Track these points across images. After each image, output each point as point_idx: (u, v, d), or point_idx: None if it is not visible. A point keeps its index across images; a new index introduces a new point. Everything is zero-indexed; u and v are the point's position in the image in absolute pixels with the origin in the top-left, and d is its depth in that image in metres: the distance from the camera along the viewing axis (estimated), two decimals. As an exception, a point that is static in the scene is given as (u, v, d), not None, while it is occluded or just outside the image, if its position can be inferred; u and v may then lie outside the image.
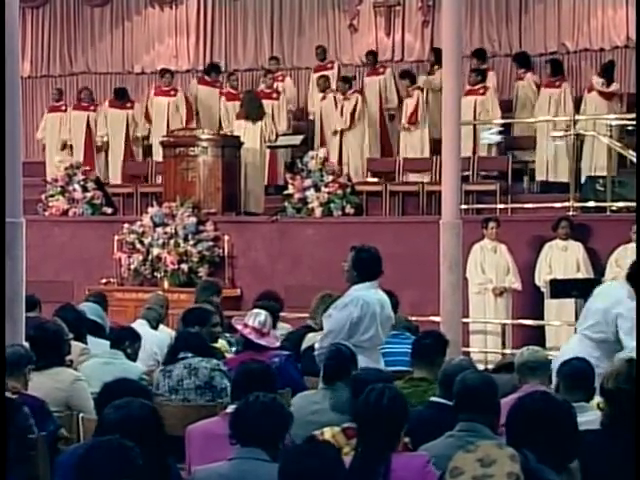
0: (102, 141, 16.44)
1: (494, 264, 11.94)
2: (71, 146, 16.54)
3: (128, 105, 16.48)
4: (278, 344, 7.33)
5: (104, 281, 13.56)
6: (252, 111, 14.90)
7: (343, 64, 16.98)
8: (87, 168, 15.33)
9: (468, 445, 3.60)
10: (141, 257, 13.53)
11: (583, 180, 13.21)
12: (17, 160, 6.99)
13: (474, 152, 14.10)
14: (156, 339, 8.33)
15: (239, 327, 7.19)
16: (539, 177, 14.26)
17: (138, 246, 13.58)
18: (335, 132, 15.04)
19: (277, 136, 15.17)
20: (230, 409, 4.89)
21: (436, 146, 13.73)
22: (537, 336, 11.47)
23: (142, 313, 9.01)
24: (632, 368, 4.57)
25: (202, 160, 14.04)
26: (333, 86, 15.62)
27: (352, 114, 14.95)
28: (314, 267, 12.75)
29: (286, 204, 13.66)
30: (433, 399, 5.52)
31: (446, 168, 9.04)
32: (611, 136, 13.06)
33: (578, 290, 10.66)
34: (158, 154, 15.25)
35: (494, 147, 14.53)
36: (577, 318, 8.81)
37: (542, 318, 11.83)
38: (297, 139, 15.87)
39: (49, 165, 16.26)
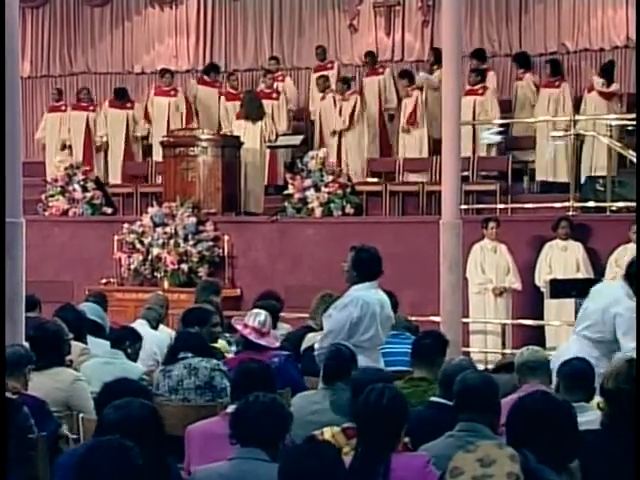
0: (101, 141, 16.43)
1: (494, 264, 11.94)
2: (70, 146, 16.54)
3: (128, 105, 16.48)
4: (278, 344, 7.33)
5: (104, 281, 13.56)
6: (252, 111, 14.90)
7: (343, 64, 16.98)
8: (87, 168, 15.34)
9: (468, 445, 3.60)
10: (141, 257, 13.53)
11: (583, 180, 13.21)
12: (17, 160, 6.99)
13: (474, 152, 14.10)
14: (156, 339, 8.33)
15: (239, 327, 7.19)
16: (539, 177, 14.26)
17: (138, 246, 13.58)
18: (334, 132, 15.04)
19: (277, 136, 15.17)
20: (230, 409, 4.89)
21: (436, 146, 13.74)
22: (537, 336, 11.48)
23: (142, 313, 9.02)
24: (632, 368, 4.57)
25: (202, 160, 14.04)
26: (333, 86, 15.62)
27: (351, 115, 14.95)
28: (314, 267, 12.75)
29: (286, 204, 13.66)
30: (433, 399, 5.52)
31: (446, 168, 9.04)
32: (611, 136, 13.06)
33: (578, 290, 10.63)
34: (158, 154, 15.25)
35: (494, 147, 14.53)
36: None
37: (542, 318, 11.83)
38: (297, 139, 15.87)
39: (49, 165, 16.26)
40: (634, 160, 12.28)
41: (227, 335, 8.25)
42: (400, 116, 15.12)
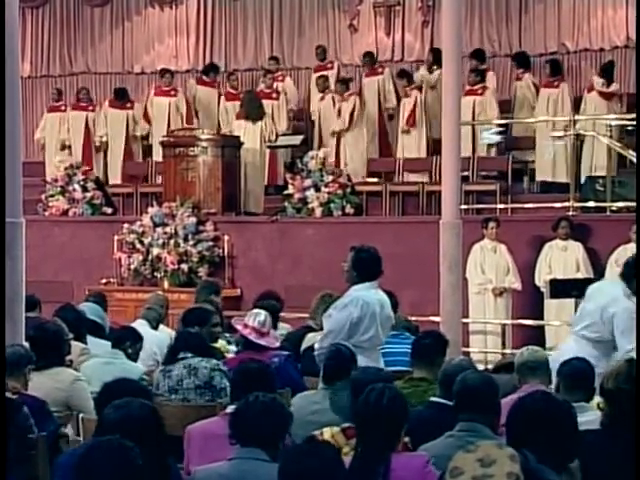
0: (101, 141, 16.43)
1: (494, 264, 11.94)
2: (69, 146, 16.54)
3: (128, 105, 16.47)
4: (278, 344, 7.34)
5: (104, 281, 13.56)
6: (252, 111, 14.90)
7: (343, 64, 16.97)
8: (87, 168, 15.35)
9: (468, 445, 3.60)
10: (141, 257, 13.53)
11: (583, 180, 13.21)
12: (17, 160, 6.99)
13: (473, 152, 14.10)
14: (156, 339, 8.32)
15: (239, 327, 7.19)
16: (539, 177, 14.26)
17: (138, 246, 13.58)
18: (333, 133, 15.04)
19: (277, 136, 15.17)
20: (230, 409, 4.89)
21: (435, 146, 13.75)
22: (537, 336, 11.47)
23: (142, 313, 9.02)
24: (632, 368, 4.57)
25: (202, 160, 14.04)
26: (332, 86, 15.62)
27: (351, 116, 14.96)
28: (314, 267, 12.75)
29: (286, 204, 13.66)
30: (433, 399, 5.52)
31: (446, 168, 9.04)
32: (611, 136, 13.06)
33: (578, 290, 10.62)
34: (158, 154, 15.25)
35: (494, 147, 14.53)
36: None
37: (542, 318, 11.83)
38: (297, 139, 15.87)
39: (49, 165, 16.26)
40: (634, 160, 12.28)
41: (227, 335, 8.25)
42: (399, 116, 15.12)
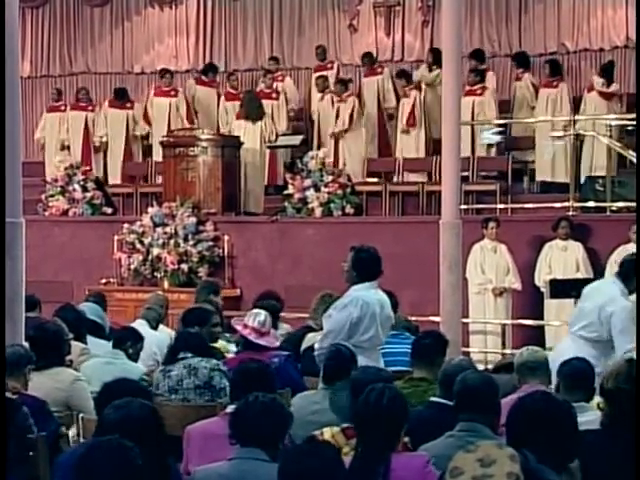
0: (100, 141, 16.43)
1: (494, 264, 11.94)
2: (69, 146, 16.54)
3: (128, 105, 16.48)
4: (278, 344, 7.34)
5: (104, 281, 13.56)
6: (252, 111, 14.90)
7: (343, 64, 16.97)
8: (87, 168, 15.35)
9: (468, 445, 3.60)
10: (141, 257, 13.53)
11: (583, 180, 13.21)
12: (17, 160, 6.99)
13: (473, 152, 14.10)
14: (156, 339, 8.32)
15: (239, 327, 7.19)
16: (539, 177, 14.26)
17: (138, 246, 13.58)
18: (332, 134, 15.03)
19: (277, 136, 15.17)
20: (230, 409, 4.89)
21: (435, 146, 13.74)
22: (537, 336, 11.47)
23: (142, 313, 9.02)
24: (632, 368, 4.57)
25: (202, 160, 14.04)
26: (332, 87, 15.62)
27: (350, 117, 14.95)
28: (314, 267, 12.75)
29: (286, 204, 13.66)
30: (433, 399, 5.52)
31: (446, 168, 9.04)
32: (611, 136, 13.06)
33: (578, 290, 10.59)
34: (158, 154, 15.25)
35: (494, 147, 14.53)
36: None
37: (542, 318, 11.83)
38: (297, 139, 15.87)
39: (48, 165, 16.26)
40: (634, 160, 12.28)
41: (227, 335, 8.25)
42: (399, 116, 15.12)
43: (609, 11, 15.64)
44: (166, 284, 13.23)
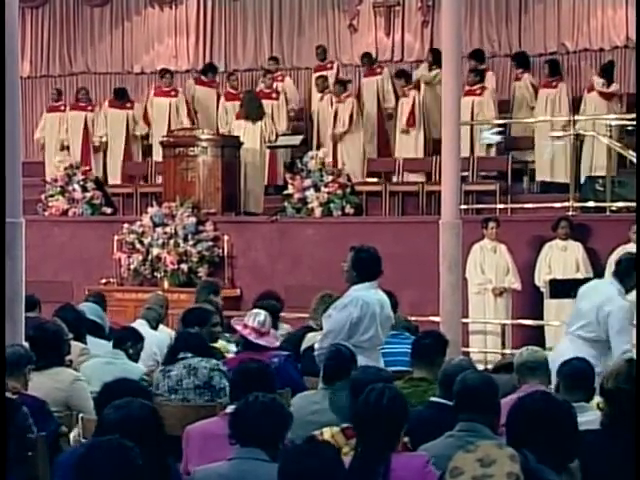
0: (100, 141, 16.43)
1: (494, 264, 11.94)
2: (68, 147, 16.54)
3: (128, 105, 16.48)
4: (278, 344, 7.34)
5: (104, 281, 13.56)
6: (252, 111, 14.91)
7: (343, 64, 16.97)
8: (87, 168, 15.35)
9: (468, 445, 3.60)
10: (141, 257, 13.53)
11: (583, 180, 13.21)
12: (17, 160, 7.00)
13: (472, 152, 14.10)
14: (156, 339, 8.32)
15: (239, 327, 7.19)
16: (539, 177, 14.26)
17: (138, 246, 13.58)
18: (332, 136, 15.03)
19: (277, 136, 15.17)
20: (229, 409, 4.89)
21: (434, 146, 13.74)
22: (537, 336, 11.47)
23: (142, 313, 9.02)
24: (632, 368, 4.57)
25: (202, 160, 14.05)
26: (331, 87, 15.62)
27: (350, 118, 14.95)
28: (314, 267, 12.75)
29: (286, 204, 13.66)
30: (433, 399, 5.52)
31: (446, 168, 9.04)
32: (611, 136, 13.06)
33: (577, 290, 10.64)
34: (158, 154, 15.25)
35: (493, 147, 14.53)
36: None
37: (542, 318, 11.83)
38: (297, 139, 15.87)
39: (48, 165, 16.27)
40: (634, 160, 12.28)
41: (227, 335, 8.25)
42: (398, 116, 15.12)
43: (609, 11, 15.64)
44: (166, 284, 13.23)
